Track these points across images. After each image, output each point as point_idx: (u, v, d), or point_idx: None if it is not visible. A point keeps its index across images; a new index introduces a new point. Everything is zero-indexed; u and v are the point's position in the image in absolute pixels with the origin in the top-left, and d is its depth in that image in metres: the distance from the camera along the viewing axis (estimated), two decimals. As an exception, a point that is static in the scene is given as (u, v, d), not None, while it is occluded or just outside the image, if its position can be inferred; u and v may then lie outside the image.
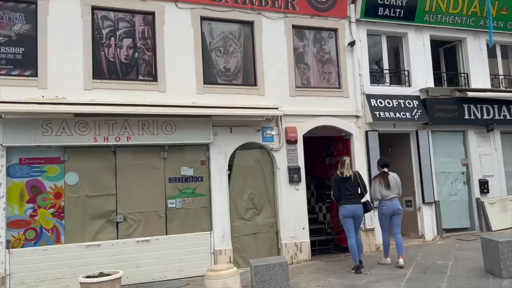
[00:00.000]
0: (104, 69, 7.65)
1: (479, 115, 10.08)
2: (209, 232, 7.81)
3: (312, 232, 9.61)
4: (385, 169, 7.60)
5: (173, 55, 7.94)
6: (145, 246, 7.41)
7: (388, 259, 7.54)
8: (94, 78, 7.51)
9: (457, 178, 10.06)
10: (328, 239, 9.81)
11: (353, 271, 7.10)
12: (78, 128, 7.22)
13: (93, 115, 7.21)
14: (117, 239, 7.34)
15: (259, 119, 8.18)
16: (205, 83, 8.16)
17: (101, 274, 6.00)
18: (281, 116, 8.50)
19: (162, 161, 7.77)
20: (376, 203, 7.86)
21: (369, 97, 9.29)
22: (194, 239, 7.69)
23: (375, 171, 8.91)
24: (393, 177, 7.56)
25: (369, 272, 6.99)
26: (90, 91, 7.43)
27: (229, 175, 8.16)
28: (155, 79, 7.86)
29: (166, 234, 7.61)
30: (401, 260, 7.18)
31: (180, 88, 7.91)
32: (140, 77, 7.84)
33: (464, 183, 10.09)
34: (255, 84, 8.55)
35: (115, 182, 7.46)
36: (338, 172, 7.47)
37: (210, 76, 8.27)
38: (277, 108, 8.41)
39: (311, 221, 9.81)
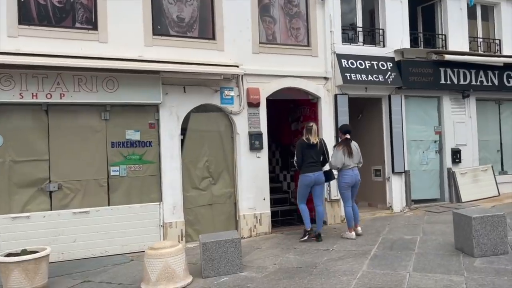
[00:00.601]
0: (32, 13, 6.49)
1: (455, 80, 9.46)
2: (158, 203, 7.01)
3: (275, 202, 8.99)
4: (348, 136, 7.09)
5: (117, 0, 6.83)
6: (83, 218, 6.56)
7: (353, 233, 7.01)
8: (20, 23, 6.36)
9: (429, 146, 9.53)
10: (291, 209, 9.19)
11: (304, 239, 6.90)
12: (0, 83, 6.14)
13: (19, 67, 6.12)
14: (51, 210, 6.45)
15: (216, 77, 7.25)
16: (154, 34, 7.12)
17: (24, 252, 5.16)
18: (242, 76, 7.61)
19: (103, 123, 6.81)
20: (335, 173, 7.26)
21: (340, 57, 8.47)
22: (141, 211, 6.88)
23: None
24: (354, 145, 7.14)
25: (332, 247, 6.41)
26: (15, 38, 6.30)
27: (182, 141, 7.29)
28: (94, 27, 6.77)
29: (109, 205, 6.76)
30: (359, 229, 7.09)
31: (124, 39, 6.86)
32: (77, 25, 6.72)
33: (436, 152, 9.59)
34: (213, 38, 7.56)
35: (47, 145, 6.49)
36: (304, 138, 6.89)
37: (161, 26, 7.22)
38: (237, 66, 7.51)
39: (274, 190, 9.18)
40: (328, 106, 8.41)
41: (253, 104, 7.69)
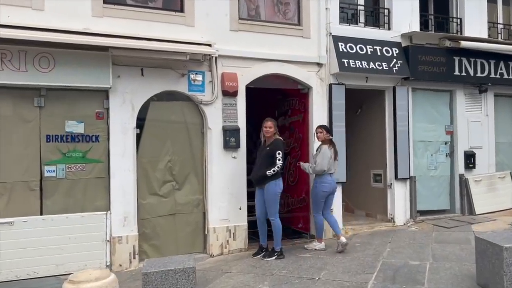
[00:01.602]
0: None
1: (471, 72, 8.07)
2: (105, 212, 5.63)
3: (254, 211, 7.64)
4: (331, 136, 6.37)
5: (56, -43, 5.43)
6: (6, 231, 5.18)
7: (323, 243, 6.29)
8: None
9: (439, 148, 8.15)
10: (276, 218, 7.81)
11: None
12: None
13: None
14: (-36, 220, 5.09)
15: (182, 58, 5.84)
16: (105, 2, 5.72)
17: None
18: (216, 57, 6.22)
19: (36, 111, 5.42)
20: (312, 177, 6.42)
21: (336, 39, 7.08)
22: (82, 222, 5.51)
23: (337, 137, 6.88)
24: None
25: (318, 275, 5.05)
26: None
27: (139, 135, 5.92)
28: (27, -10, 5.37)
29: (41, 214, 5.39)
30: (343, 238, 6.14)
31: (66, 7, 5.47)
32: (4, -14, 5.32)
33: (446, 155, 8.21)
34: (181, 10, 6.16)
35: (-39, 138, 5.12)
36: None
37: (114, -8, 5.83)
38: (210, 45, 6.12)
39: (253, 196, 7.83)
40: (321, 98, 7.03)
41: (229, 93, 6.30)
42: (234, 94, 6.34)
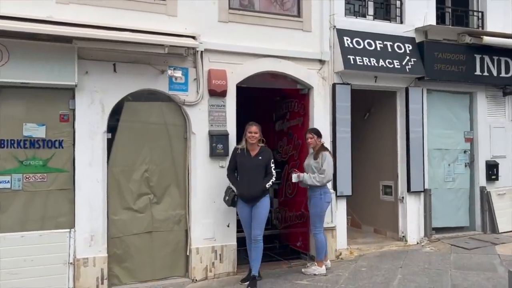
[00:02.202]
0: None
1: (494, 72, 7.17)
2: (69, 230, 4.84)
3: None
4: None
5: None
6: (-51, 252, 4.43)
7: (324, 267, 5.47)
8: None
9: (457, 158, 7.25)
10: (273, 234, 6.95)
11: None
12: None
13: None
14: None
15: (160, 51, 5.02)
16: (72, -14, 4.97)
17: None
18: (201, 52, 5.43)
19: (-13, 112, 4.67)
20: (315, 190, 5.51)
21: (341, 33, 6.25)
22: (41, 242, 4.71)
23: (342, 144, 6.06)
24: None
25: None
26: None
27: (110, 141, 5.13)
28: (-22, -29, 4.63)
29: (-9, 233, 4.62)
30: (329, 262, 5.69)
31: (24, -9, 4.72)
32: (-47, -33, 4.59)
33: (465, 166, 7.30)
34: (161, -2, 5.40)
35: None
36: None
37: (83, -24, 5.06)
38: (194, 38, 5.33)
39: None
40: (323, 100, 6.19)
41: (217, 93, 5.49)
42: (222, 94, 5.53)
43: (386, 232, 7.14)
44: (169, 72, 5.07)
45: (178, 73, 5.09)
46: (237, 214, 5.48)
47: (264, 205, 5.03)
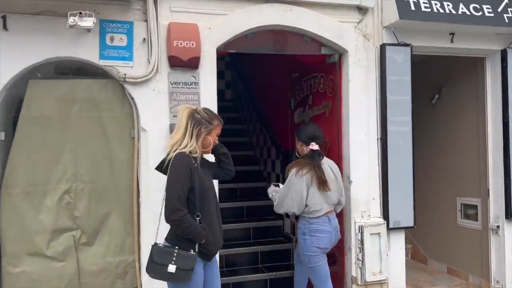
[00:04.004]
0: None
1: None
2: None
3: (264, 260, 4.68)
4: (314, 146, 3.32)
5: None
6: None
7: None
8: None
9: None
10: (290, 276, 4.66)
11: None
12: None
13: None
14: None
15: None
16: None
17: None
18: (155, -5, 3.29)
19: None
20: None
21: (394, -37, 3.84)
22: None
23: (396, 142, 3.70)
24: (329, 166, 3.40)
25: None
26: None
27: (5, 145, 3.14)
28: None
29: None
30: None
31: None
32: None
33: None
34: None
35: None
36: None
37: None
38: (138, -30, 3.20)
39: (263, 233, 4.91)
40: (364, 72, 3.81)
41: (183, 63, 3.31)
42: (192, 64, 3.34)
43: (467, 275, 4.65)
44: (70, 21, 2.88)
45: (87, 21, 2.87)
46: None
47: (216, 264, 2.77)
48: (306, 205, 3.23)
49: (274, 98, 5.42)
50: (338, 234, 3.41)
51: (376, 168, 3.84)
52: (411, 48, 3.89)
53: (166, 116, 3.34)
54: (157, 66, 3.30)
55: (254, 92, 6.29)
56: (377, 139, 3.85)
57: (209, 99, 3.42)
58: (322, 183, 3.23)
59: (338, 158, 3.79)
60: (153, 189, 3.20)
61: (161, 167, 2.54)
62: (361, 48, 3.80)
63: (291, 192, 3.24)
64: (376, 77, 3.86)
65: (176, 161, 2.43)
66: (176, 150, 2.46)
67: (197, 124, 2.51)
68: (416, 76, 3.93)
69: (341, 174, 3.59)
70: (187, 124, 2.49)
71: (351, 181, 3.74)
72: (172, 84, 3.35)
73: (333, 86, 3.90)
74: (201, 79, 3.41)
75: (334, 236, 3.33)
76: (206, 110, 2.65)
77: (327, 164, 3.38)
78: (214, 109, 3.33)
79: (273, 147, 5.49)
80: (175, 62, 3.31)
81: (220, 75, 3.99)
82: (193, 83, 3.40)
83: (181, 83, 3.37)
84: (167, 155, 2.49)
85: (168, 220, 2.38)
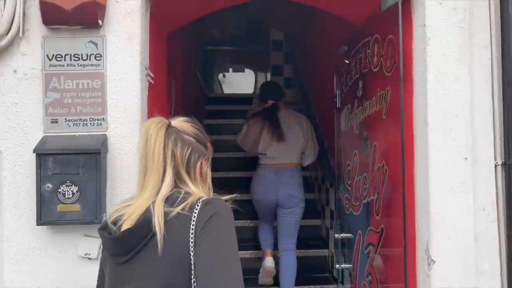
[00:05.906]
0: None
1: None
2: None
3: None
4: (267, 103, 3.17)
5: None
6: None
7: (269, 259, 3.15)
8: None
9: None
10: None
11: None
12: None
13: None
14: None
15: None
16: None
17: None
18: None
19: None
20: None
21: None
22: None
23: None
24: (290, 116, 3.19)
25: None
26: None
27: None
28: None
29: None
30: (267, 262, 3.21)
31: None
32: None
33: None
34: None
35: None
36: None
37: None
38: None
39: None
40: (461, 23, 1.77)
41: (67, 17, 1.65)
42: (86, 18, 1.66)
43: None
44: None
45: None
46: None
47: None
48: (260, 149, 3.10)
49: (319, 91, 3.56)
50: (291, 192, 3.02)
51: (493, 226, 1.78)
52: None
53: (38, 123, 1.70)
54: (21, 26, 1.69)
55: (304, 81, 4.46)
56: (494, 165, 1.79)
57: (131, 92, 1.71)
58: (270, 130, 3.05)
59: (395, 192, 1.81)
60: (5, 272, 1.58)
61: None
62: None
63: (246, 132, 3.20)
64: (491, 34, 1.80)
65: (229, 214, 1.09)
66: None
67: (194, 152, 1.10)
68: None
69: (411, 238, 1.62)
70: (171, 154, 1.05)
71: (433, 260, 1.72)
72: (50, 60, 1.71)
73: (393, 55, 1.90)
74: (108, 49, 1.72)
75: (273, 189, 3.02)
76: (190, 123, 1.15)
77: (290, 114, 3.17)
78: (137, 108, 1.63)
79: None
80: (53, 16, 1.66)
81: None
82: (92, 56, 1.72)
83: (68, 57, 1.71)
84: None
85: None
